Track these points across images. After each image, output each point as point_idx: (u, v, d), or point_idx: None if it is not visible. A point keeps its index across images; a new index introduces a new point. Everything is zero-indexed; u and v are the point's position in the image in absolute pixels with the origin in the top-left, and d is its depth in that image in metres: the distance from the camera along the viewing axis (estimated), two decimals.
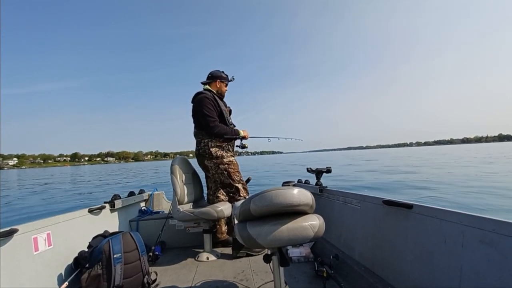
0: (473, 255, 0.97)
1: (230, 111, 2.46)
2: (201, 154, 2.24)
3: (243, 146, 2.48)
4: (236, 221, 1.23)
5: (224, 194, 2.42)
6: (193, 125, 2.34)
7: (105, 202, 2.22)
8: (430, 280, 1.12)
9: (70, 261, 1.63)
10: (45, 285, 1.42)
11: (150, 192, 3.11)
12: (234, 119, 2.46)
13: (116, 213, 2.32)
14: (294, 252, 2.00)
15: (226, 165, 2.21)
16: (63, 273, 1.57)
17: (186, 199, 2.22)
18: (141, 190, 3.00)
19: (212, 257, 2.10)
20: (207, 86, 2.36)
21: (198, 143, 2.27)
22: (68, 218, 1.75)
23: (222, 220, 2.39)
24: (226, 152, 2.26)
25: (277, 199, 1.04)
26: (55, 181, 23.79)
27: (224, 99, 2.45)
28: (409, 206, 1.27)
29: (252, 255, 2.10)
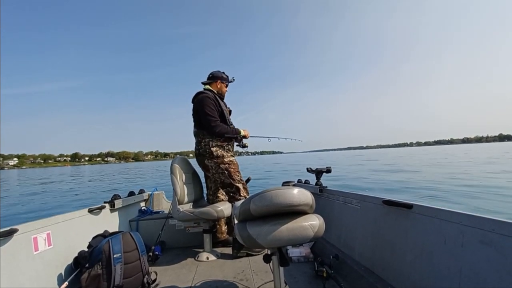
0: (473, 255, 0.97)
1: (230, 112, 2.46)
2: (202, 153, 2.24)
3: (243, 145, 2.48)
4: (236, 221, 1.22)
5: (224, 194, 2.42)
6: (193, 125, 2.35)
7: (105, 202, 2.22)
8: (430, 280, 1.12)
9: (70, 261, 1.63)
10: (45, 285, 1.42)
11: (150, 192, 3.10)
12: (234, 119, 2.47)
13: (116, 213, 2.32)
14: (294, 252, 2.00)
15: (226, 165, 2.21)
16: (63, 273, 1.57)
17: (186, 199, 2.22)
18: (141, 190, 3.00)
19: (212, 257, 2.10)
20: (208, 86, 2.37)
21: (198, 143, 2.27)
22: (68, 218, 1.75)
23: (222, 220, 2.39)
24: (226, 152, 2.27)
25: (277, 199, 1.04)
26: (55, 181, 23.80)
27: (224, 99, 2.46)
28: (409, 206, 1.27)
29: (252, 255, 2.10)
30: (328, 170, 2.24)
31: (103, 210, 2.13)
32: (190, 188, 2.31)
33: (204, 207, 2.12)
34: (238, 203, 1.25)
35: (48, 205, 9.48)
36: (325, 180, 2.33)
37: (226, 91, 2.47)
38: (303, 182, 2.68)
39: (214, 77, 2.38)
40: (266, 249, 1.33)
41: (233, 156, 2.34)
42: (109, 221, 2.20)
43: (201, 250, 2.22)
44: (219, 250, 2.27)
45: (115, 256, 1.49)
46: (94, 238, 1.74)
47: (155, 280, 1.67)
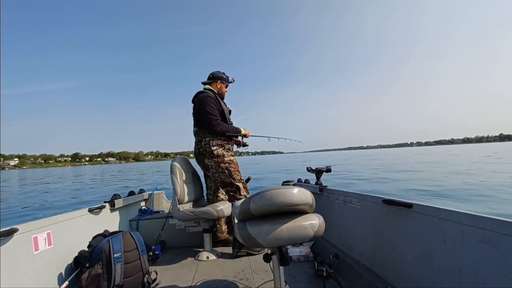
0: (472, 254, 0.97)
1: (230, 112, 2.47)
2: (202, 153, 2.25)
3: (244, 144, 2.49)
4: (236, 221, 1.23)
5: (224, 193, 2.43)
6: (193, 125, 2.35)
7: (105, 202, 2.22)
8: (429, 279, 1.12)
9: (70, 260, 1.63)
10: (45, 284, 1.42)
11: (150, 192, 3.11)
12: (234, 119, 2.47)
13: (116, 212, 2.32)
14: (294, 252, 2.00)
15: (227, 164, 2.21)
16: (63, 273, 1.57)
17: (186, 199, 2.22)
18: (141, 189, 3.00)
19: (212, 257, 2.11)
20: (208, 86, 2.37)
21: (198, 142, 2.27)
22: (68, 217, 1.75)
23: (222, 219, 2.39)
24: (226, 151, 2.27)
25: (277, 198, 1.04)
26: (55, 181, 23.83)
27: (224, 100, 2.46)
28: (409, 205, 1.27)
29: (252, 254, 2.10)
30: (328, 170, 2.24)
31: (103, 210, 2.13)
32: (190, 188, 2.31)
33: (204, 206, 2.12)
34: (238, 203, 1.26)
35: (48, 205, 9.50)
36: (326, 180, 2.33)
37: (226, 91, 2.49)
38: (303, 181, 2.68)
39: (214, 77, 2.39)
40: (266, 249, 1.34)
41: (233, 156, 2.34)
42: (109, 221, 2.20)
43: (201, 249, 2.22)
44: (219, 249, 2.27)
45: (115, 255, 1.49)
46: (94, 237, 1.74)
47: (155, 279, 1.67)
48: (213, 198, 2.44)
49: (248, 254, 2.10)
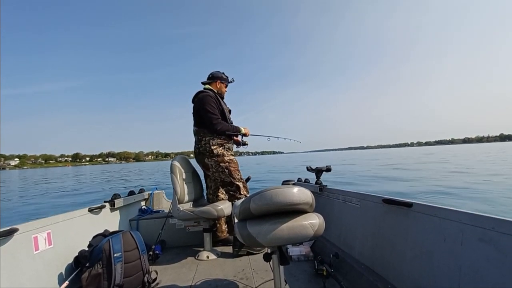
0: (472, 253, 0.97)
1: (229, 111, 2.48)
2: (202, 152, 2.25)
3: (243, 143, 2.49)
4: (236, 220, 1.23)
5: (224, 192, 2.43)
6: (192, 124, 2.35)
7: (105, 201, 2.22)
8: (429, 278, 1.12)
9: (71, 260, 1.63)
10: (45, 284, 1.42)
11: (150, 192, 3.11)
12: (234, 119, 2.48)
13: (116, 212, 2.32)
14: (294, 251, 2.00)
15: (227, 163, 2.22)
16: (63, 273, 1.57)
17: (186, 198, 2.22)
18: (141, 189, 3.00)
19: (212, 256, 2.11)
20: (208, 86, 2.38)
21: (198, 141, 2.27)
22: (68, 217, 1.75)
23: (222, 219, 2.39)
24: (226, 150, 2.27)
25: (277, 197, 1.04)
26: (55, 181, 23.84)
27: (224, 100, 2.46)
28: (408, 205, 1.27)
29: (252, 254, 2.10)
30: (328, 169, 2.24)
31: (103, 210, 2.13)
32: (190, 187, 2.31)
33: (204, 206, 2.12)
34: (238, 202, 1.26)
35: (48, 205, 9.50)
36: (326, 179, 2.33)
37: (226, 91, 2.49)
38: (303, 181, 2.68)
39: (214, 77, 2.40)
40: (266, 248, 1.34)
41: (233, 155, 2.34)
42: (109, 221, 2.20)
43: (201, 249, 2.22)
44: (219, 249, 2.27)
45: (115, 255, 1.49)
46: (94, 237, 1.74)
47: (155, 279, 1.67)
48: (213, 198, 2.44)
49: (248, 254, 2.11)
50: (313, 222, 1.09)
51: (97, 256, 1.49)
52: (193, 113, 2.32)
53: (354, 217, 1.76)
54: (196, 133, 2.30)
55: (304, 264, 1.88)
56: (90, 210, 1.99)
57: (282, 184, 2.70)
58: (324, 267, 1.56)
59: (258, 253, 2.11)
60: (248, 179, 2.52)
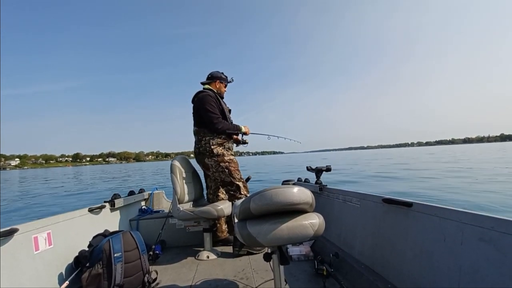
0: (472, 253, 0.97)
1: (229, 111, 2.48)
2: (202, 152, 2.25)
3: (244, 142, 2.50)
4: (236, 220, 1.23)
5: (224, 192, 2.43)
6: (193, 124, 2.35)
7: (105, 202, 2.22)
8: (429, 278, 1.12)
9: (71, 260, 1.64)
10: (45, 284, 1.42)
11: (150, 191, 3.11)
12: (234, 119, 2.48)
13: (116, 212, 2.32)
14: (294, 251, 2.00)
15: (227, 163, 2.22)
16: (63, 273, 1.57)
17: (186, 198, 2.22)
18: (141, 189, 3.00)
19: (212, 256, 2.11)
20: (207, 86, 2.38)
21: (198, 141, 2.27)
22: (68, 217, 1.75)
23: (222, 218, 2.39)
24: (226, 150, 2.28)
25: (277, 197, 1.04)
26: (55, 181, 23.85)
27: (224, 99, 2.47)
28: (408, 204, 1.27)
29: (252, 254, 2.10)
30: (328, 169, 2.24)
31: (103, 210, 2.13)
32: (190, 187, 2.31)
33: (204, 206, 2.12)
34: (238, 202, 1.26)
35: (48, 205, 9.51)
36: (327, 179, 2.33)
37: (225, 91, 2.49)
38: (303, 180, 2.68)
39: (213, 77, 2.40)
40: (267, 248, 1.34)
41: (233, 155, 2.35)
42: (110, 221, 2.20)
43: (202, 249, 2.22)
44: (220, 249, 2.27)
45: (115, 255, 1.49)
46: (94, 237, 1.74)
47: (155, 279, 1.67)
48: (213, 198, 2.44)
49: (249, 254, 2.11)
50: (313, 222, 1.09)
51: (97, 256, 1.49)
52: (193, 113, 2.32)
53: (354, 216, 1.76)
54: (196, 133, 2.30)
55: (304, 264, 1.88)
56: (90, 210, 1.99)
57: (282, 184, 2.70)
58: (324, 267, 1.57)
59: (258, 253, 2.11)
60: (248, 179, 2.52)
